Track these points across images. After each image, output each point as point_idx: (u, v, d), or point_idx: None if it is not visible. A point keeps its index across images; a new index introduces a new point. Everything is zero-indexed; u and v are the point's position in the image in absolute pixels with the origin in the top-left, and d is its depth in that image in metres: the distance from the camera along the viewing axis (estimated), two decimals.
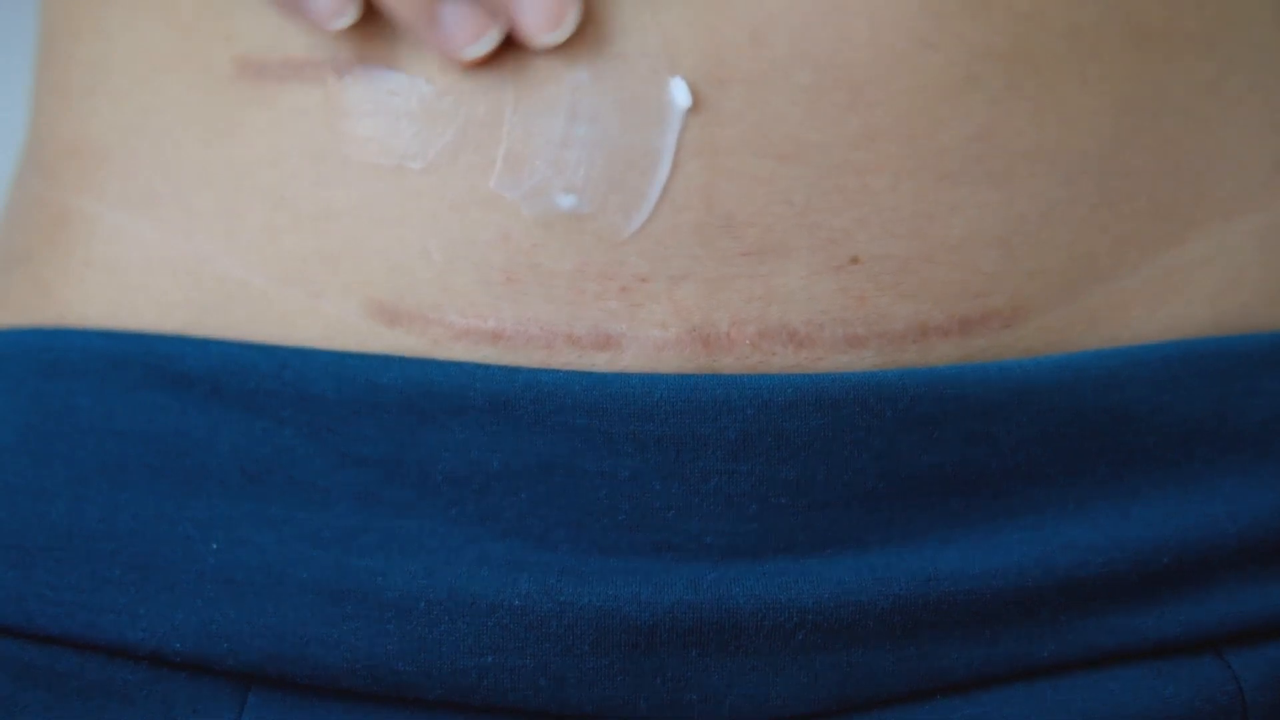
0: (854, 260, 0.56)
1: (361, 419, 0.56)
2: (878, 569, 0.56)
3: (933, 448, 0.56)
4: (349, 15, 0.55)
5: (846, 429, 0.56)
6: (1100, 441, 0.57)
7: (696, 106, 0.55)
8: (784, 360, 0.56)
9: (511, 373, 0.56)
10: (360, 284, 0.57)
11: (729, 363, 0.56)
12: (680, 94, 0.55)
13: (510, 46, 0.56)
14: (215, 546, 0.56)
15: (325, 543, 0.56)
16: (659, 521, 0.55)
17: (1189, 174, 0.59)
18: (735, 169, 0.55)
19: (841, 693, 0.56)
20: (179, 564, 0.56)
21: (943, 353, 0.57)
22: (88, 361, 0.58)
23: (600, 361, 0.56)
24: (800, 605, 0.55)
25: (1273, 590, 0.57)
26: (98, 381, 0.58)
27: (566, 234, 0.56)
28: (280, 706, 0.55)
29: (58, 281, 0.61)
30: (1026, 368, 0.57)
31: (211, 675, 0.56)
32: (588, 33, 0.56)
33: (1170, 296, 0.59)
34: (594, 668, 0.55)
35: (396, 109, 0.57)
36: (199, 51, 0.59)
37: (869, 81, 0.55)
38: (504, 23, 0.55)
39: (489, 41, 0.55)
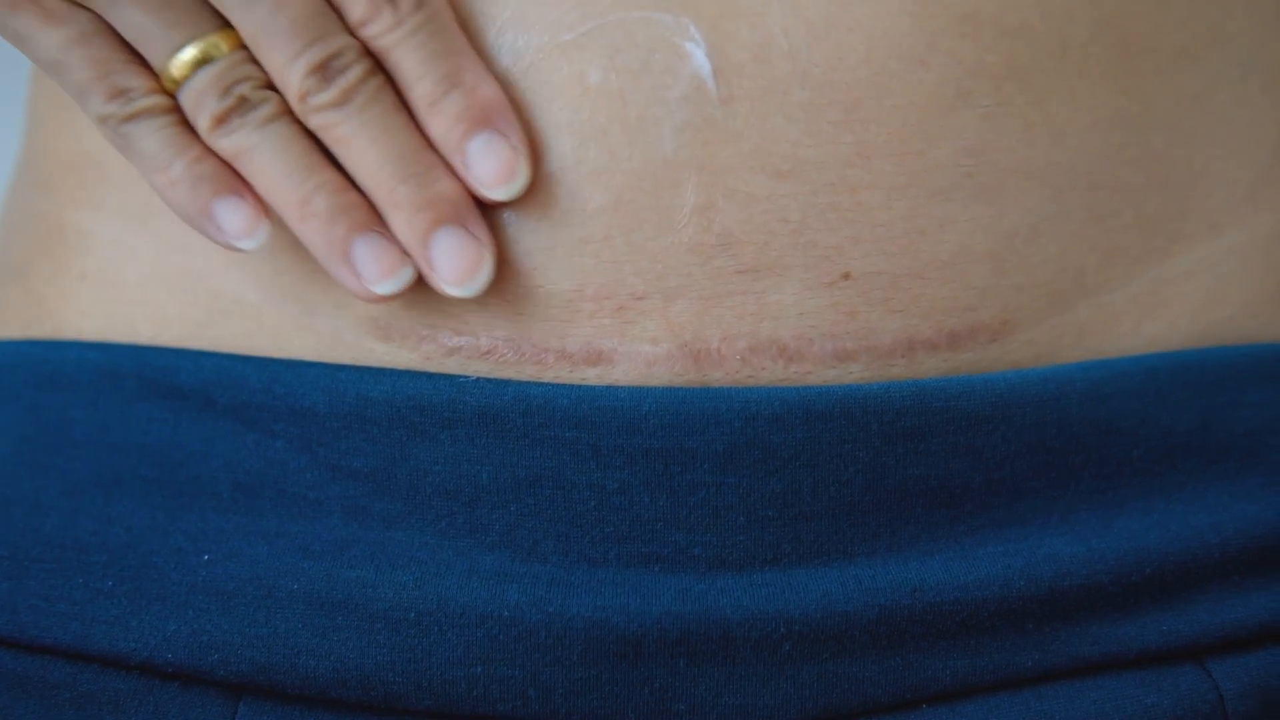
0: (846, 276, 0.56)
1: (352, 432, 0.57)
2: (864, 580, 0.56)
3: (918, 460, 0.56)
4: (259, 238, 0.55)
5: (833, 441, 0.56)
6: (1085, 454, 0.58)
7: (703, 125, 0.56)
8: (773, 374, 0.56)
9: (501, 386, 0.56)
10: (354, 301, 0.57)
11: (718, 377, 0.56)
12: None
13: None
14: (207, 558, 0.56)
15: (316, 555, 0.56)
16: (647, 533, 0.56)
17: (1175, 189, 0.59)
18: (735, 187, 0.56)
19: (828, 703, 0.56)
20: (171, 575, 0.56)
21: (930, 366, 0.57)
22: (83, 374, 0.59)
23: (591, 376, 0.56)
24: (787, 616, 0.55)
25: (1254, 600, 0.58)
26: (92, 394, 0.59)
27: (568, 256, 0.56)
28: (271, 716, 0.56)
29: (53, 295, 0.61)
30: (1012, 380, 0.57)
31: (203, 685, 0.56)
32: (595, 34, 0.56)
33: (1156, 310, 0.60)
34: (582, 678, 0.55)
35: None
36: None
37: (863, 99, 0.56)
38: (415, 267, 0.55)
39: (400, 281, 0.55)
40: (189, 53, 0.54)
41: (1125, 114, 0.58)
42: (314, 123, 0.54)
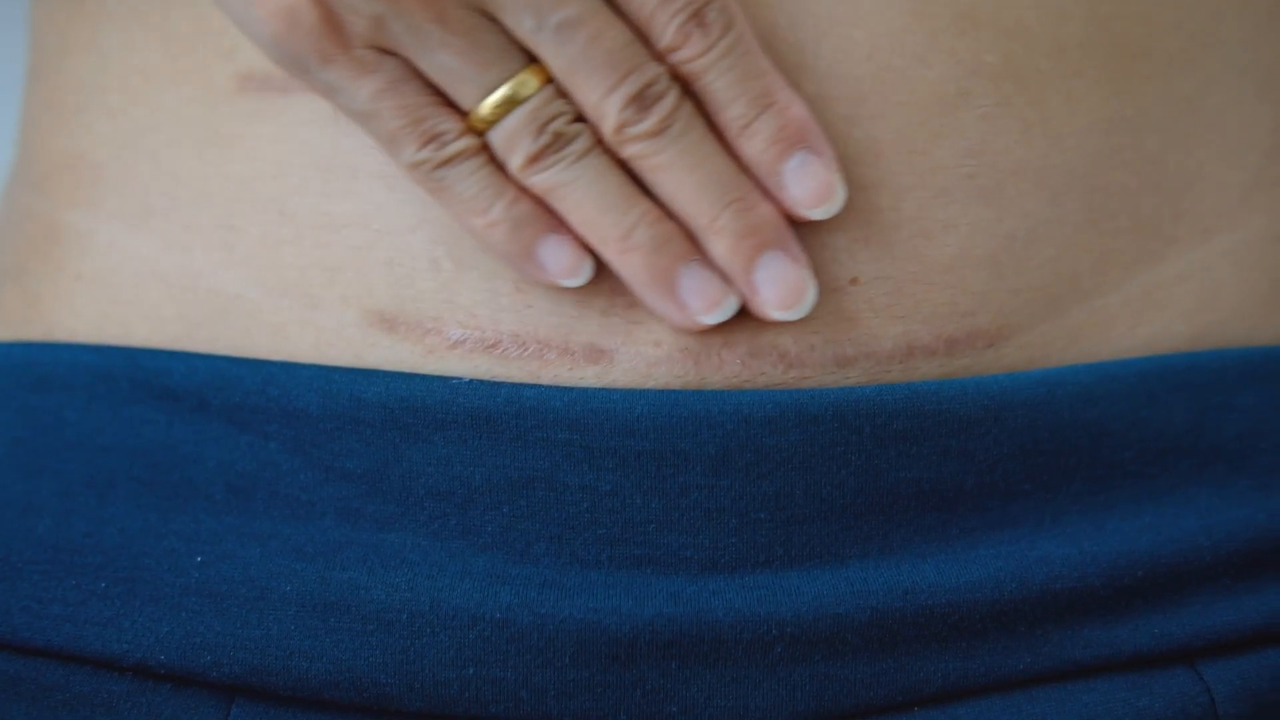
0: (853, 281, 0.56)
1: (345, 433, 0.57)
2: (855, 582, 0.56)
3: (910, 463, 0.57)
4: (584, 275, 0.55)
5: (826, 444, 0.56)
6: (1076, 456, 0.58)
7: None
8: (771, 378, 0.57)
9: (494, 388, 0.56)
10: (359, 294, 0.57)
11: (716, 380, 0.57)
12: None
13: None
14: (200, 560, 0.56)
15: (309, 556, 0.56)
16: (639, 535, 0.56)
17: (1169, 192, 0.60)
18: None
19: (819, 704, 0.56)
20: (164, 577, 0.56)
21: (927, 371, 0.57)
22: (76, 376, 0.59)
23: (590, 375, 0.56)
24: (779, 618, 0.56)
25: (1245, 603, 0.58)
26: (85, 396, 0.59)
27: None
28: (263, 718, 0.56)
29: (47, 295, 0.61)
30: (1003, 384, 0.57)
31: (195, 687, 0.56)
32: None
33: (1150, 313, 0.60)
34: (574, 680, 0.55)
35: None
36: (198, 67, 0.59)
37: (869, 94, 0.56)
38: (739, 294, 0.55)
39: (726, 311, 0.55)
40: (501, 93, 0.54)
41: (1120, 116, 0.58)
42: (629, 152, 0.54)
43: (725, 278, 0.55)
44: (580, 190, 0.54)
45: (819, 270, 0.56)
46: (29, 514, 0.58)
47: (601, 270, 0.56)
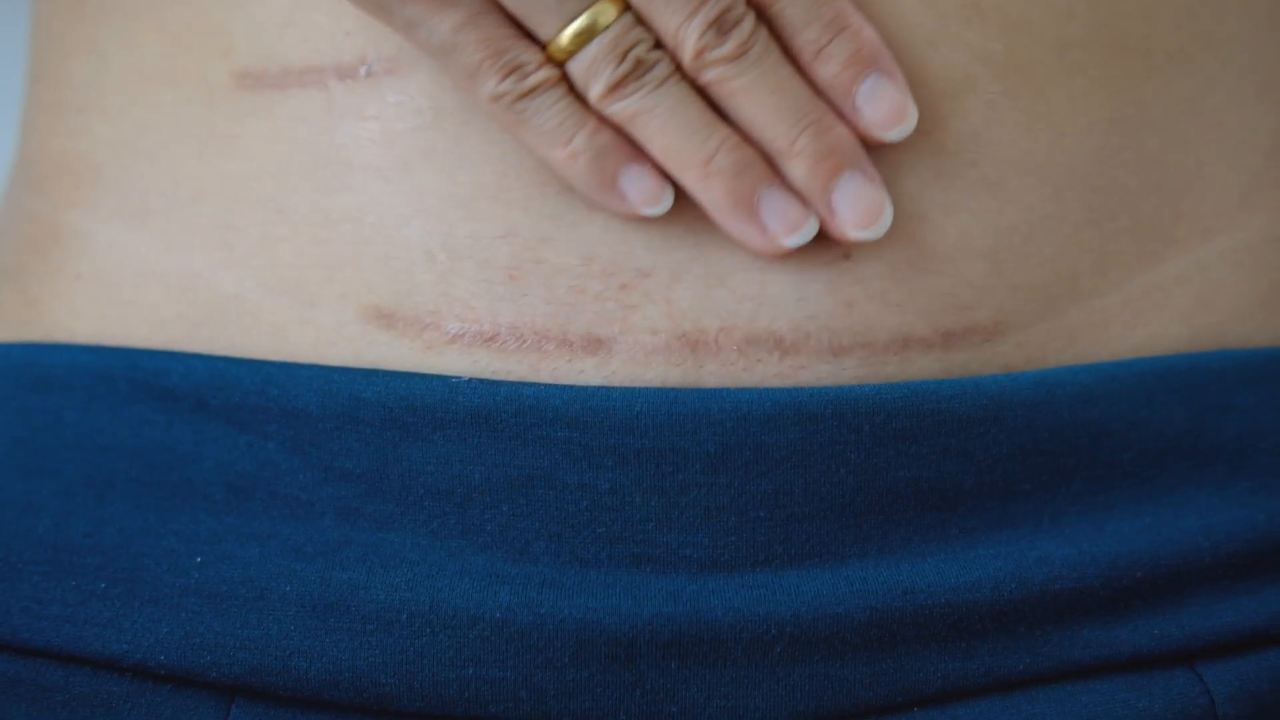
0: (845, 256, 0.57)
1: (345, 433, 0.57)
2: (855, 582, 0.56)
3: (909, 462, 0.57)
4: (665, 203, 0.56)
5: (825, 442, 0.56)
6: (1076, 457, 0.58)
7: None
8: (768, 368, 0.57)
9: (493, 386, 0.56)
10: (358, 290, 0.57)
11: (713, 369, 0.57)
12: None
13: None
14: (199, 560, 0.56)
15: (308, 556, 0.56)
16: (638, 534, 0.56)
17: (1169, 192, 0.60)
18: None
19: (819, 705, 0.56)
20: (163, 577, 0.56)
21: (923, 366, 0.57)
22: (74, 377, 0.59)
23: (589, 366, 0.56)
24: (778, 618, 0.56)
25: (1245, 604, 0.58)
26: (84, 396, 0.59)
27: (575, 225, 0.56)
28: (263, 719, 0.56)
29: (47, 295, 0.61)
30: (1003, 383, 0.57)
31: (195, 687, 0.56)
32: None
33: (1148, 314, 0.60)
34: (574, 680, 0.55)
35: (403, 108, 0.57)
36: (195, 66, 0.59)
37: None
38: (818, 215, 0.56)
39: (806, 234, 0.56)
40: (580, 22, 0.54)
41: (1121, 115, 0.58)
42: (709, 77, 0.55)
43: (804, 201, 0.56)
44: (661, 117, 0.55)
45: (814, 240, 0.56)
46: (28, 514, 0.58)
47: (593, 253, 0.56)
